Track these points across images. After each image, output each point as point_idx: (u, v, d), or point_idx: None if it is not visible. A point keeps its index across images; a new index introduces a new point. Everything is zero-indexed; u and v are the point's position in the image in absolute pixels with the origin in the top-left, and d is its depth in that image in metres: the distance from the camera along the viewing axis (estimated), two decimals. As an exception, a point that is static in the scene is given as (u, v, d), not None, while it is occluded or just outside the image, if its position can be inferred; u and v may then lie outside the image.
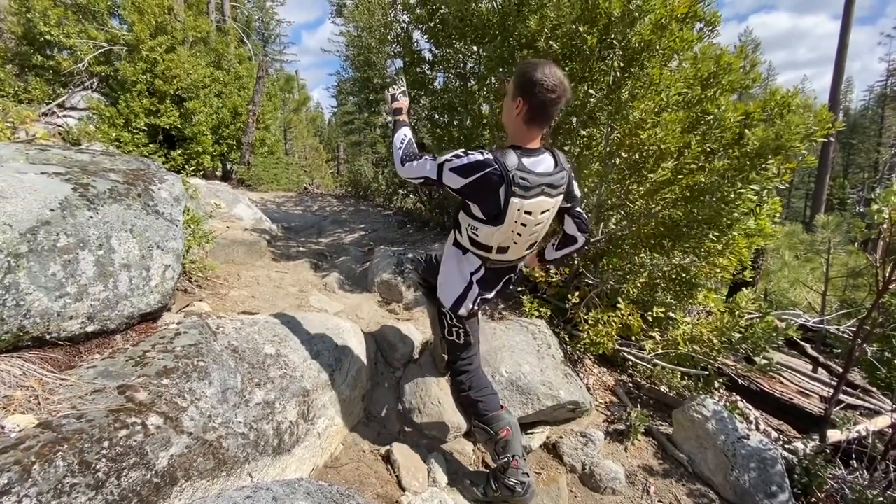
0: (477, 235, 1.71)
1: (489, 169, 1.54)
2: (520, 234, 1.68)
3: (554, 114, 1.61)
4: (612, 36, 2.84)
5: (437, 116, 5.04)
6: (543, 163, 1.64)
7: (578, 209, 1.88)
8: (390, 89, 1.96)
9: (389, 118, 1.94)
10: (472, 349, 2.04)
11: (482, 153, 1.57)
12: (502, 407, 2.03)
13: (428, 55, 4.82)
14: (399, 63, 5.70)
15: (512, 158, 1.55)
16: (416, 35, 4.92)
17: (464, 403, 2.02)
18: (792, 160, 2.73)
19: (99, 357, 1.68)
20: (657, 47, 2.81)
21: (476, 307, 1.89)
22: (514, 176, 1.53)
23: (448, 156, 1.61)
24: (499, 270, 1.87)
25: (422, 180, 1.69)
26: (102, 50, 7.76)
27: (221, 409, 1.60)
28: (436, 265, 2.08)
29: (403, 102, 1.93)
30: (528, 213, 1.62)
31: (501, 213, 1.59)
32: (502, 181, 1.54)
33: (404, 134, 1.79)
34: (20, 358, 1.52)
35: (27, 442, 1.16)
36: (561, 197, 1.72)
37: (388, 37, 5.59)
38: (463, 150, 1.61)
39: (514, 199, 1.56)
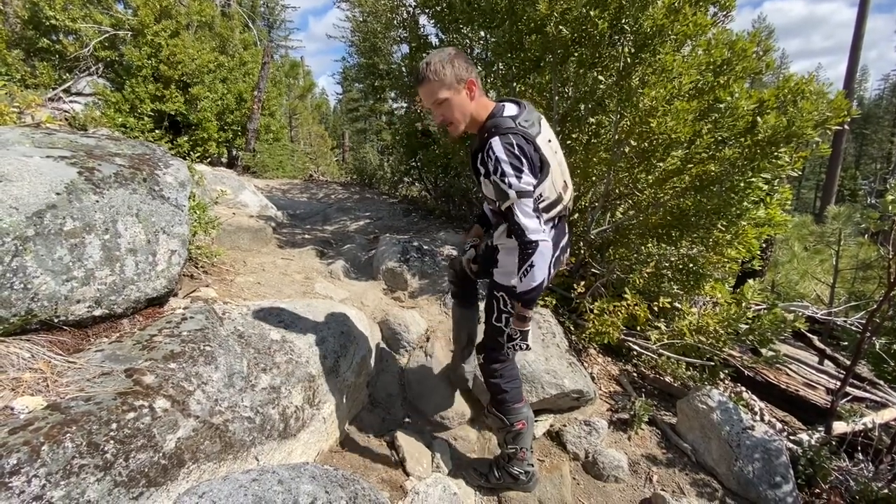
0: (545, 199, 1.67)
1: (514, 139, 1.50)
2: (560, 163, 1.72)
3: None
4: (624, 20, 2.77)
5: (442, 103, 4.96)
6: (509, 108, 1.63)
7: None
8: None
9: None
10: None
11: (504, 139, 1.50)
12: (523, 399, 2.00)
13: (434, 40, 4.74)
14: (405, 48, 5.63)
15: (506, 122, 1.54)
16: (423, 20, 4.85)
17: (490, 389, 2.00)
18: (804, 148, 2.68)
19: (106, 341, 1.69)
20: (669, 32, 2.73)
21: (554, 270, 1.84)
22: (519, 124, 1.53)
23: (509, 176, 1.48)
24: (560, 222, 1.85)
25: (532, 206, 1.54)
26: (107, 34, 7.72)
27: (228, 394, 1.61)
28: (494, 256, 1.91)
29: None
30: (549, 140, 1.64)
31: (542, 159, 1.59)
32: (525, 138, 1.53)
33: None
34: (29, 341, 1.53)
35: (36, 423, 1.17)
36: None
37: (394, 21, 5.51)
38: (494, 161, 1.50)
39: (538, 140, 1.56)
